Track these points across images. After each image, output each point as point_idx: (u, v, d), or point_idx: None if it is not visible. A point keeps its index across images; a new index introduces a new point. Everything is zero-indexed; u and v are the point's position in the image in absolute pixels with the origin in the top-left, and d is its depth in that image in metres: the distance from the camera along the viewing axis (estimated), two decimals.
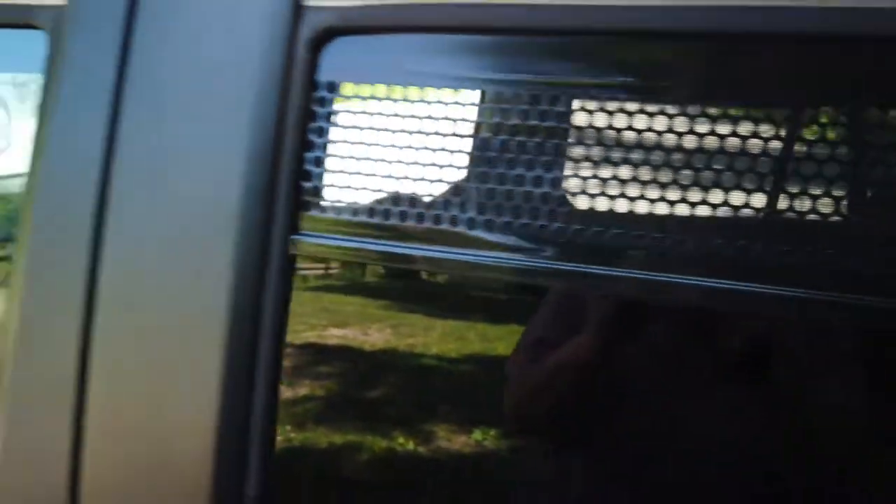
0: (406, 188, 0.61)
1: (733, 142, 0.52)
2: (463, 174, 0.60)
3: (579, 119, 0.56)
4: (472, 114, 0.59)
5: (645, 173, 0.54)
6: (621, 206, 0.54)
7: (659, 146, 0.54)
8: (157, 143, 0.64)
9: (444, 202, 0.59)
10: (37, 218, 0.67)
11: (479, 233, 0.58)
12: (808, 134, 0.52)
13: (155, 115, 0.64)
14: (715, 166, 0.52)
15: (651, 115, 0.54)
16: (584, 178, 0.55)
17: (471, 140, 0.60)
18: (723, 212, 0.52)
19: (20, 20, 0.69)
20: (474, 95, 0.60)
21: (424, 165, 0.60)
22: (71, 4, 0.67)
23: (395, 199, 0.61)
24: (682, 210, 0.53)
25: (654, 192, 0.54)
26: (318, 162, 0.63)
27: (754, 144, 0.52)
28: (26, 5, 0.69)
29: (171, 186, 0.64)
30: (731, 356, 0.57)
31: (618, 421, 0.60)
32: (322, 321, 0.66)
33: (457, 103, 0.60)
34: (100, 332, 0.65)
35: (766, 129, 0.52)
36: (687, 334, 0.58)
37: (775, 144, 0.52)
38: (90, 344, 0.65)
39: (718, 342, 0.57)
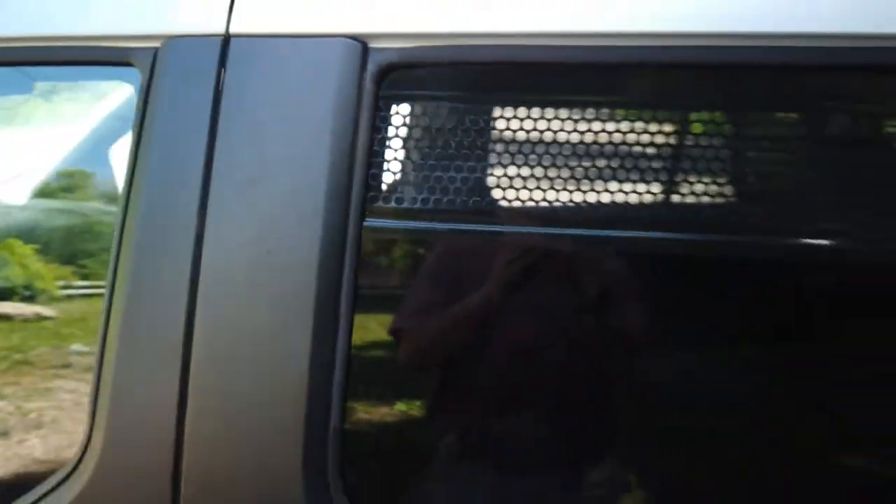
0: (444, 186, 0.82)
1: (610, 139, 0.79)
2: (479, 172, 0.82)
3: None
4: (489, 125, 0.82)
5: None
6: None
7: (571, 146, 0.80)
8: (250, 160, 0.81)
9: (467, 192, 0.81)
10: (144, 211, 0.81)
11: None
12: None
13: (248, 138, 0.81)
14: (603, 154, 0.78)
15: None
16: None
17: (483, 147, 0.83)
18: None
19: (117, 59, 0.84)
20: (493, 112, 0.83)
21: (456, 170, 0.82)
22: (164, 47, 0.83)
23: (438, 193, 0.82)
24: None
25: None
26: (382, 167, 0.83)
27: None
28: (124, 48, 0.84)
29: (264, 193, 0.81)
30: (587, 297, 0.83)
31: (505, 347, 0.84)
32: (387, 287, 0.86)
33: (481, 120, 0.82)
34: (203, 298, 0.80)
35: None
36: (558, 282, 0.84)
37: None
38: (195, 312, 0.80)
39: (579, 286, 0.83)
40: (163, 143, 0.82)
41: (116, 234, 0.83)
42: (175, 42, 0.82)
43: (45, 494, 0.88)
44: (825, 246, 0.79)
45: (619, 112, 0.80)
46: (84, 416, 0.86)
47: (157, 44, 0.83)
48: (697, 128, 0.83)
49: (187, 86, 0.82)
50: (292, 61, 0.81)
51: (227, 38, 0.82)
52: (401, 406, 0.89)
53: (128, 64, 0.84)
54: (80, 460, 0.87)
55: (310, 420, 0.82)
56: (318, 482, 0.83)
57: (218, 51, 0.81)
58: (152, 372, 0.82)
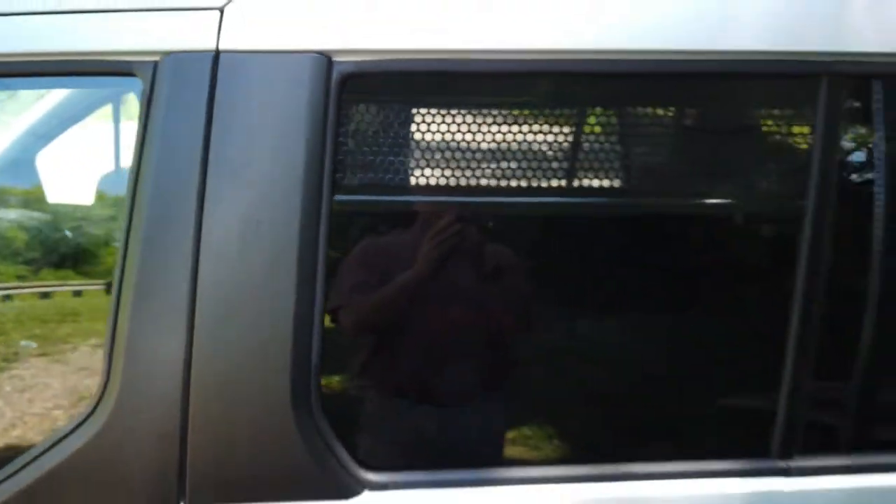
0: (395, 168, 1.04)
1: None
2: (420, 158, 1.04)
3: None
4: (428, 122, 1.05)
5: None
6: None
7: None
8: (240, 151, 1.00)
9: (411, 173, 1.04)
10: (152, 191, 0.99)
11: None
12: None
13: (237, 134, 1.00)
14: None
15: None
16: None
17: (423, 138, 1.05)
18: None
19: (120, 70, 1.02)
20: (431, 111, 1.05)
21: (403, 157, 1.04)
22: (163, 60, 1.01)
23: (391, 174, 1.04)
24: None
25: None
26: (346, 154, 1.03)
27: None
28: (129, 61, 1.01)
29: (252, 177, 1.00)
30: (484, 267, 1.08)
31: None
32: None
33: (422, 117, 1.04)
34: (204, 262, 0.98)
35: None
36: (470, 255, 1.08)
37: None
38: (198, 274, 0.99)
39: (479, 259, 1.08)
40: (165, 138, 1.00)
41: (127, 208, 1.00)
42: (172, 56, 1.01)
43: (65, 435, 1.04)
44: (689, 207, 1.06)
45: (532, 111, 1.03)
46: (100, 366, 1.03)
47: (157, 58, 1.01)
48: (592, 120, 1.07)
49: (184, 92, 1.00)
50: (271, 72, 1.01)
51: (217, 53, 1.00)
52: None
53: (132, 75, 1.02)
54: (97, 403, 1.03)
55: (295, 363, 1.02)
56: (304, 412, 1.03)
57: (209, 63, 1.00)
58: (161, 326, 1.00)
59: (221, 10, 1.01)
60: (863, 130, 1.09)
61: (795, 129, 1.08)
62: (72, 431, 1.04)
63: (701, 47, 1.01)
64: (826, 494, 1.08)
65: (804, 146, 1.05)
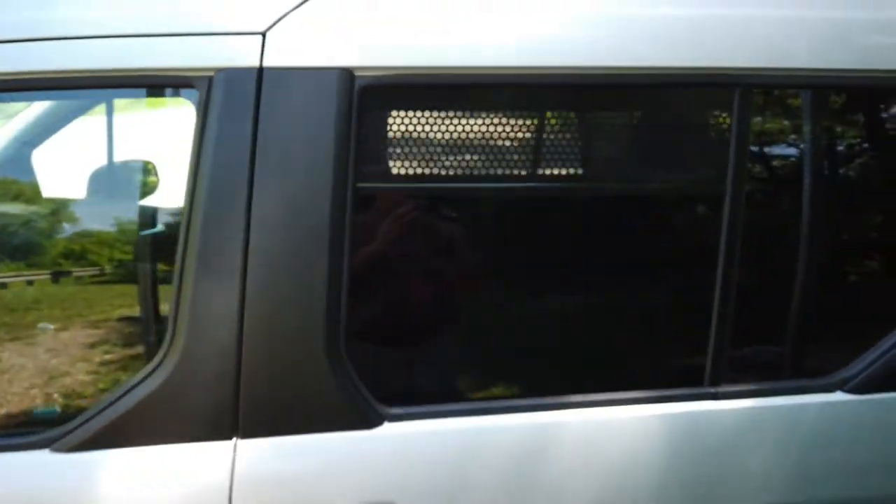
0: (406, 162, 1.30)
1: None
2: (428, 154, 1.31)
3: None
4: (435, 126, 1.31)
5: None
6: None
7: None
8: (282, 151, 1.24)
9: (421, 166, 1.30)
10: (210, 190, 1.23)
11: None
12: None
13: (279, 137, 1.23)
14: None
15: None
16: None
17: (431, 140, 1.31)
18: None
19: (183, 83, 1.25)
20: (438, 116, 1.32)
21: (414, 153, 1.30)
22: (218, 75, 1.24)
23: (404, 167, 1.30)
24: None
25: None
26: (366, 151, 1.29)
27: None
28: (187, 76, 1.25)
29: (292, 169, 1.24)
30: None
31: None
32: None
33: (431, 122, 1.31)
34: (254, 237, 1.23)
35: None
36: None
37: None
38: (248, 247, 1.23)
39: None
40: (219, 138, 1.24)
41: (188, 193, 1.24)
42: (223, 72, 1.25)
43: (136, 385, 1.27)
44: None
45: (511, 114, 1.31)
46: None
47: (211, 73, 1.25)
48: (565, 122, 1.35)
49: (234, 102, 1.24)
50: (305, 85, 1.25)
51: (261, 70, 1.24)
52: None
53: (191, 87, 1.25)
54: (165, 354, 1.27)
55: (328, 316, 1.27)
56: (335, 358, 1.29)
57: (255, 78, 1.24)
58: (220, 288, 1.24)
59: (264, 35, 1.25)
60: (767, 129, 1.40)
61: (716, 127, 1.37)
62: (143, 379, 1.27)
63: (650, 63, 1.30)
64: (746, 412, 1.38)
65: (724, 141, 1.35)
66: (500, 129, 1.32)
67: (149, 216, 1.34)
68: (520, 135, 1.32)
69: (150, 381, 1.27)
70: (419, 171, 1.31)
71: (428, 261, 1.35)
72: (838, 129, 1.47)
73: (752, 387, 1.39)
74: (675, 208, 1.44)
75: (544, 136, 1.33)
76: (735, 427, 1.38)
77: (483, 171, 1.33)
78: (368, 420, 1.31)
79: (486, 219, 1.39)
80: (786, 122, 1.42)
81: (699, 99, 1.38)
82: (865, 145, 1.49)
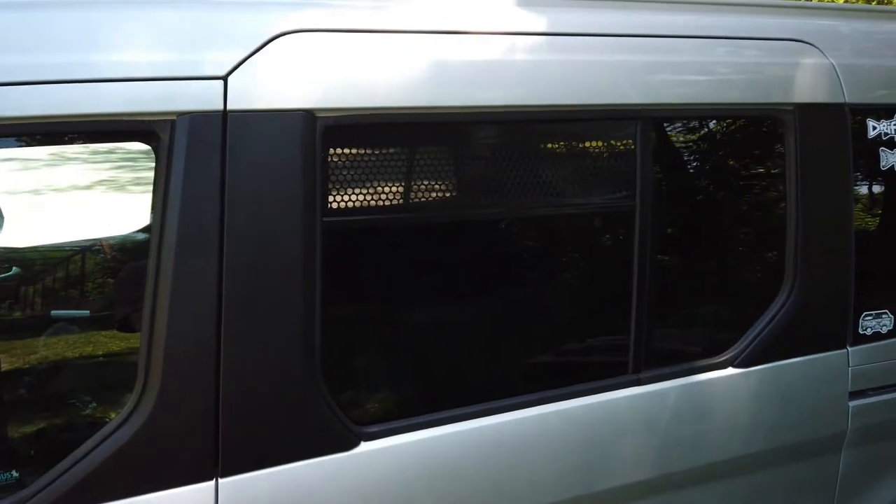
0: (367, 196, 1.40)
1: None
2: (384, 187, 1.42)
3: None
4: (389, 161, 1.42)
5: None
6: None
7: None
8: (248, 188, 1.28)
9: (379, 200, 1.41)
10: (180, 233, 1.24)
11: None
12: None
13: (245, 175, 1.28)
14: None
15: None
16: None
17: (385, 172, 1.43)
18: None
19: (147, 129, 1.25)
20: (392, 151, 1.43)
21: (372, 187, 1.40)
22: (180, 119, 1.26)
23: (364, 201, 1.39)
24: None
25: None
26: (330, 186, 1.37)
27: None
28: (151, 121, 1.25)
29: (260, 206, 1.29)
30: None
31: None
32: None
33: (385, 157, 1.42)
34: (228, 275, 1.25)
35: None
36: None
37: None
38: (223, 288, 1.25)
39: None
40: (186, 184, 1.25)
41: (157, 234, 1.23)
42: (186, 117, 1.26)
43: (108, 436, 1.24)
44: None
45: (465, 148, 1.46)
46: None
47: (173, 117, 1.26)
48: (502, 152, 1.52)
49: (199, 147, 1.26)
50: (269, 127, 1.31)
51: (225, 113, 1.28)
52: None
53: (152, 132, 1.26)
54: (136, 405, 1.25)
55: (303, 349, 1.33)
56: (312, 388, 1.34)
57: (220, 121, 1.28)
58: (194, 329, 1.25)
59: (225, 79, 1.29)
60: (664, 155, 1.68)
61: (623, 153, 1.62)
62: (116, 429, 1.24)
63: (572, 102, 1.51)
64: (661, 392, 1.62)
65: (631, 165, 1.59)
66: (456, 162, 1.46)
67: (113, 260, 1.31)
68: (473, 167, 1.47)
69: (124, 430, 1.24)
70: (381, 203, 1.41)
71: (393, 287, 1.45)
72: (726, 153, 1.79)
73: (667, 371, 1.64)
74: (595, 226, 1.67)
75: (495, 166, 1.50)
76: (656, 405, 1.62)
77: (442, 202, 1.46)
78: (346, 442, 1.38)
79: (443, 247, 1.52)
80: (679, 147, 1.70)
81: (611, 128, 1.62)
82: (747, 161, 1.82)
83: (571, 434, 1.54)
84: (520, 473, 1.50)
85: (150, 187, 1.27)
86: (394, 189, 1.43)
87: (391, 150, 1.44)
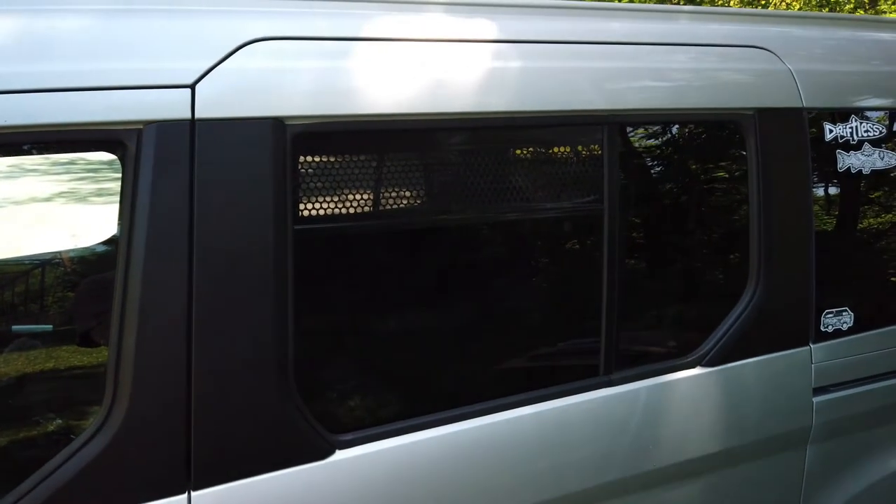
0: (337, 203, 1.40)
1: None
2: (355, 193, 1.42)
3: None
4: (359, 166, 1.42)
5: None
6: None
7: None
8: (218, 196, 1.27)
9: (349, 206, 1.41)
10: (148, 244, 1.22)
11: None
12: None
13: (214, 183, 1.27)
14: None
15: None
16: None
17: (356, 178, 1.43)
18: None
19: (113, 138, 1.23)
20: (362, 157, 1.43)
21: (342, 194, 1.40)
22: (147, 128, 1.24)
23: (335, 208, 1.39)
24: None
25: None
26: (301, 194, 1.36)
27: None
28: (117, 130, 1.23)
29: (230, 216, 1.28)
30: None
31: None
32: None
33: (355, 163, 1.42)
34: (198, 287, 1.24)
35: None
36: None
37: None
38: (192, 300, 1.24)
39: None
40: (154, 194, 1.24)
41: (125, 244, 1.21)
42: (153, 125, 1.25)
43: (76, 451, 1.21)
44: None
45: (433, 155, 1.47)
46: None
47: (140, 126, 1.25)
48: (470, 158, 1.53)
49: (167, 156, 1.25)
50: (238, 135, 1.30)
51: (193, 122, 1.27)
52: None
53: (120, 142, 1.24)
54: (105, 420, 1.22)
55: (276, 354, 1.32)
56: (286, 398, 1.33)
57: (188, 130, 1.27)
58: (164, 341, 1.23)
59: (193, 87, 1.28)
60: (631, 159, 1.71)
61: (590, 158, 1.65)
62: (85, 444, 1.21)
63: (540, 108, 1.53)
64: (632, 393, 1.65)
65: (598, 170, 1.62)
66: (426, 168, 1.47)
67: (77, 273, 1.28)
68: (444, 173, 1.48)
69: (92, 445, 1.21)
70: (352, 210, 1.41)
71: (365, 294, 1.45)
72: (690, 157, 1.83)
73: (640, 371, 1.67)
74: (565, 228, 1.69)
75: (466, 172, 1.50)
76: (628, 406, 1.64)
77: (412, 208, 1.46)
78: (321, 451, 1.37)
79: (414, 253, 1.52)
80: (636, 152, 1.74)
81: (579, 133, 1.65)
82: (710, 165, 1.87)
83: (547, 436, 1.56)
84: (496, 476, 1.51)
85: (118, 198, 1.25)
86: (365, 196, 1.43)
87: (361, 158, 1.44)
